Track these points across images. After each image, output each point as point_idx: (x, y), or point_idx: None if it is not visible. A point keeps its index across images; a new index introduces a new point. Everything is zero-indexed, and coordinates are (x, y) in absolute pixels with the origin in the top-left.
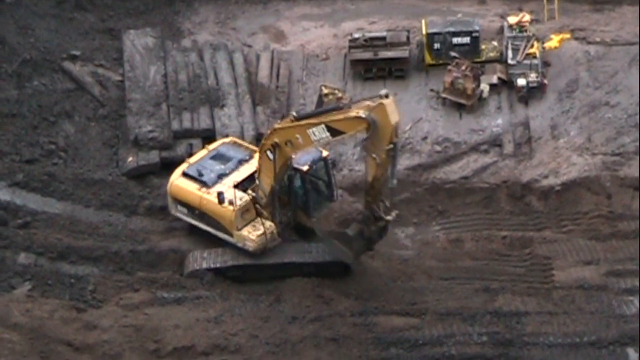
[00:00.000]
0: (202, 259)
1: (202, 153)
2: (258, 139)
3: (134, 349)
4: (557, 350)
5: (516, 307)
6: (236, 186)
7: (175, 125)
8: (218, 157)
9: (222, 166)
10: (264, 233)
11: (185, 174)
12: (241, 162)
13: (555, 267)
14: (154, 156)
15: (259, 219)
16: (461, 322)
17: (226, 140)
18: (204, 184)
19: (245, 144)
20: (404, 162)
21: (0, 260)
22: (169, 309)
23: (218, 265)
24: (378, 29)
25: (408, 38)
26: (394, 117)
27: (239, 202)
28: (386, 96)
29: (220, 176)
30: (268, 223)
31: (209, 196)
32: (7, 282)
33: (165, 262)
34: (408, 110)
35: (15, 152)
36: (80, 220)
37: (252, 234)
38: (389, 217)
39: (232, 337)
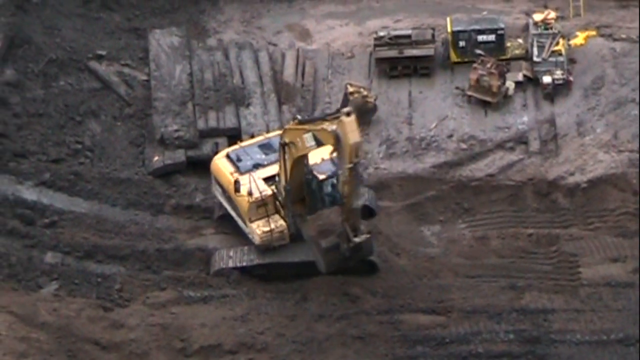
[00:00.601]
0: (229, 258)
1: (257, 140)
2: None
3: (161, 347)
4: (585, 348)
5: (543, 304)
6: (268, 179)
7: (201, 124)
8: (265, 146)
9: (264, 156)
10: (271, 231)
11: (227, 156)
12: None
13: (582, 264)
14: (179, 155)
15: (276, 216)
16: (488, 319)
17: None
18: (237, 169)
19: None
20: (429, 159)
21: (28, 259)
22: (195, 308)
23: (244, 264)
24: (403, 27)
25: (433, 36)
26: (353, 137)
27: (257, 195)
28: (347, 114)
29: (257, 165)
30: (281, 222)
31: None
32: (34, 281)
33: (192, 261)
34: (433, 108)
35: (41, 152)
36: (107, 219)
37: (260, 228)
38: (356, 239)
39: (259, 335)
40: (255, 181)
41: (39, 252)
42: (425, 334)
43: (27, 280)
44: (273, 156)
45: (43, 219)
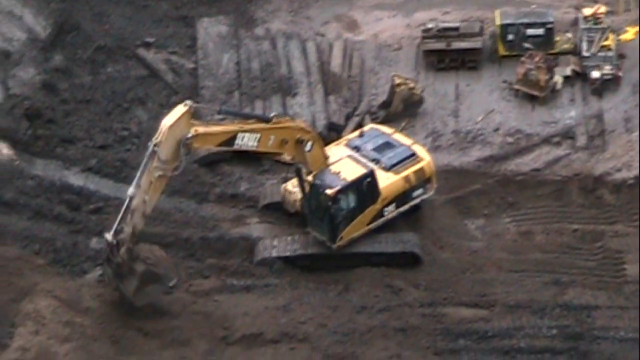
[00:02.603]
0: (272, 247)
1: (389, 131)
2: (330, 128)
3: (203, 335)
4: (628, 345)
5: (586, 300)
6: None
7: None
8: (381, 147)
9: (360, 153)
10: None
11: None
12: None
13: (626, 261)
14: None
15: None
16: (531, 314)
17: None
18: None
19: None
20: (475, 153)
21: (73, 244)
22: (238, 296)
23: (288, 253)
24: (451, 20)
25: (481, 29)
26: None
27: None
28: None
29: (352, 157)
30: None
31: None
32: (79, 266)
33: (235, 250)
34: (480, 102)
35: (89, 138)
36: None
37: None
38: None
39: (301, 325)
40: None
41: (84, 237)
42: (468, 327)
43: (72, 266)
44: (360, 154)
45: (89, 205)
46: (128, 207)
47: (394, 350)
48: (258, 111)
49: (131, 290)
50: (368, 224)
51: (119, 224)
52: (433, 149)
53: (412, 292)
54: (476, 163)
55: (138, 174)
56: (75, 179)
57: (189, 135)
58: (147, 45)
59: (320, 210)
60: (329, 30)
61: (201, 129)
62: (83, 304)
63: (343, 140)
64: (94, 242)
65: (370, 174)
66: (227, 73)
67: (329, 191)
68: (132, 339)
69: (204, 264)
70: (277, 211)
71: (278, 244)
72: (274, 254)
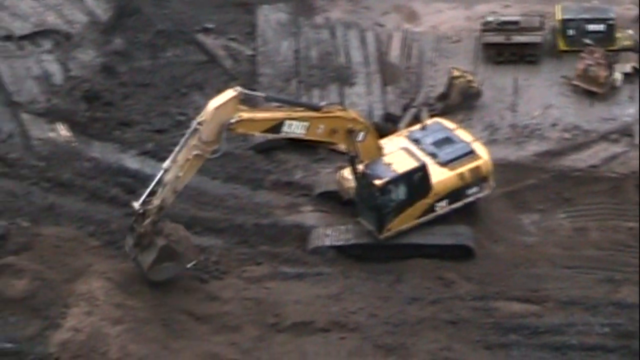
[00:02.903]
0: (326, 236)
1: (452, 126)
2: (386, 118)
3: (254, 321)
4: None
5: None
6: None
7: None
8: (440, 142)
9: (419, 146)
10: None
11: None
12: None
13: None
14: None
15: None
16: (583, 311)
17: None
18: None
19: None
20: (531, 147)
21: (127, 227)
22: (290, 284)
23: (341, 243)
24: (512, 13)
25: (542, 23)
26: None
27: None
28: None
29: (406, 150)
30: None
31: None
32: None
33: (289, 237)
34: (538, 96)
35: (146, 122)
36: (207, 191)
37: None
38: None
39: (352, 315)
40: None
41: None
42: (519, 322)
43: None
44: (417, 148)
45: (144, 188)
46: (161, 179)
47: (444, 342)
48: (315, 100)
49: (148, 263)
50: (418, 218)
51: (148, 195)
52: (489, 143)
53: (464, 285)
54: (532, 158)
55: (177, 148)
56: (132, 162)
57: (233, 120)
58: (207, 31)
59: (369, 200)
60: (388, 20)
61: (246, 115)
62: (136, 287)
63: (404, 132)
64: None
65: (422, 168)
66: (286, 61)
67: (377, 182)
68: (183, 323)
69: (257, 251)
70: (332, 200)
71: (331, 233)
72: (327, 242)
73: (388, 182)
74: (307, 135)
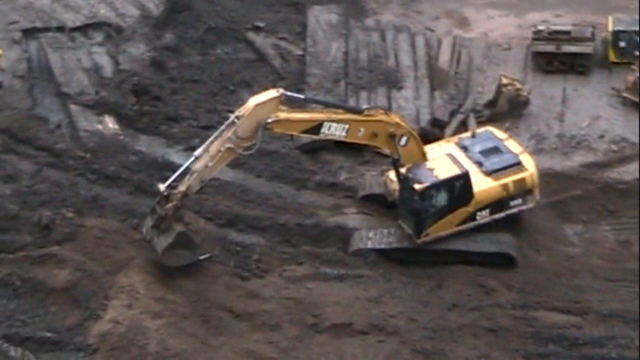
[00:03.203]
0: (368, 239)
1: (503, 136)
2: (433, 123)
3: (293, 321)
4: None
5: None
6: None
7: (351, 103)
8: (488, 151)
9: (466, 153)
10: None
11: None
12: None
13: None
14: None
15: None
16: (624, 325)
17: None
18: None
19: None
20: (577, 158)
21: None
22: (330, 285)
23: (383, 246)
24: (563, 23)
25: (593, 34)
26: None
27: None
28: None
29: (451, 157)
30: None
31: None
32: None
33: (331, 238)
34: (587, 107)
35: (193, 118)
36: (251, 189)
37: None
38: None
39: (391, 318)
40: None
41: None
42: (559, 333)
43: None
44: (465, 156)
45: None
46: (189, 166)
47: (483, 350)
48: (362, 102)
49: (163, 246)
50: (458, 225)
51: (175, 180)
52: (536, 152)
53: (505, 293)
54: (578, 168)
55: (211, 138)
56: (177, 157)
57: (270, 119)
58: (257, 29)
59: (408, 203)
60: (439, 25)
61: (283, 115)
62: (176, 282)
63: (454, 138)
64: None
65: (464, 176)
66: (335, 62)
67: (417, 186)
68: (222, 320)
69: (299, 250)
70: (375, 203)
71: (373, 236)
72: (369, 245)
73: (428, 187)
74: (348, 138)
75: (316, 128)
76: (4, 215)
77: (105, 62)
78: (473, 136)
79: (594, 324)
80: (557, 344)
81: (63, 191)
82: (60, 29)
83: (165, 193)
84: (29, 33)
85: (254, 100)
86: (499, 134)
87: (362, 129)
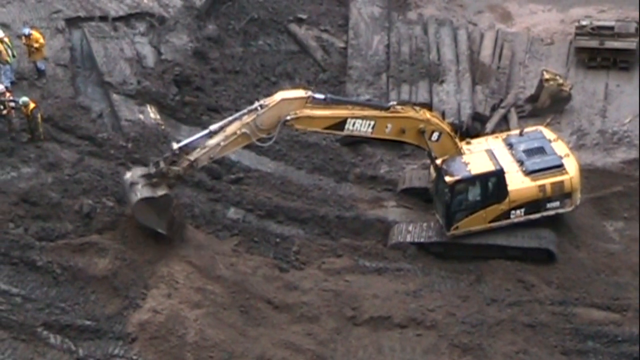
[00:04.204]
0: (407, 233)
1: (552, 137)
2: (474, 117)
3: (332, 313)
4: None
5: None
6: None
7: (393, 96)
8: (532, 151)
9: (511, 151)
10: None
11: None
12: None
13: None
14: None
15: None
16: None
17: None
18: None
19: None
20: (619, 154)
21: (211, 212)
22: (369, 278)
23: (422, 240)
24: (607, 18)
25: (637, 29)
26: None
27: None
28: None
29: (489, 153)
30: None
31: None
32: (215, 234)
33: (370, 231)
34: (629, 103)
35: (234, 109)
36: (291, 181)
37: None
38: None
39: (429, 312)
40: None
41: (222, 206)
42: (598, 330)
43: (208, 233)
44: (508, 153)
45: (229, 175)
46: (203, 140)
47: (521, 345)
48: (404, 96)
49: (143, 195)
50: (490, 222)
51: (189, 144)
52: (577, 148)
53: (544, 289)
54: (620, 165)
55: (231, 117)
56: None
57: (289, 117)
58: (300, 21)
59: (441, 195)
60: (481, 19)
61: (304, 112)
62: (216, 272)
63: (503, 134)
64: (232, 212)
65: (497, 173)
66: (377, 55)
67: (448, 178)
68: (261, 311)
69: (338, 243)
70: (415, 196)
71: (413, 230)
72: (408, 239)
73: (459, 181)
74: (375, 134)
75: (340, 125)
76: (46, 203)
77: (147, 52)
78: (521, 134)
79: (633, 321)
80: (596, 340)
81: (104, 180)
82: (104, 18)
83: (177, 152)
84: (72, 22)
85: (281, 95)
86: (549, 134)
87: (390, 125)
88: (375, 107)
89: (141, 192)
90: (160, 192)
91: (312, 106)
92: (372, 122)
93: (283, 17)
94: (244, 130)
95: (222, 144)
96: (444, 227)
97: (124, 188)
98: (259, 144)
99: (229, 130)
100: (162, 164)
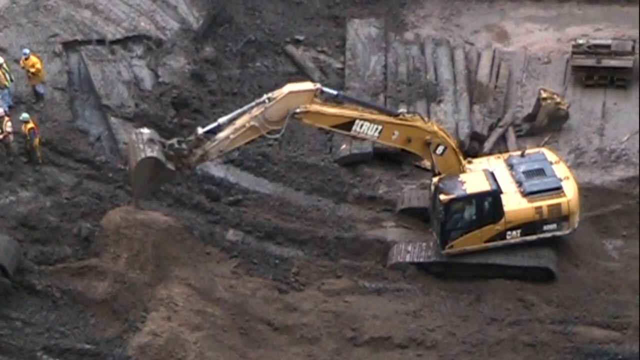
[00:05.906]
0: (406, 252)
1: (554, 159)
2: (472, 137)
3: (332, 334)
4: None
5: None
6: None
7: None
8: (532, 172)
9: (511, 171)
10: None
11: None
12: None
13: None
14: (367, 146)
15: None
16: None
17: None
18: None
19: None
20: (618, 172)
21: (209, 234)
22: (369, 299)
23: (421, 260)
24: (603, 37)
25: (633, 48)
26: None
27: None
28: None
29: (487, 172)
30: None
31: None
32: (215, 256)
33: (369, 252)
34: (627, 121)
35: None
36: (290, 202)
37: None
38: None
39: (430, 332)
40: None
41: (221, 228)
42: (598, 348)
43: (207, 254)
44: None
45: (228, 197)
46: (213, 131)
47: None
48: None
49: (151, 158)
50: (486, 242)
51: (211, 131)
52: (575, 166)
53: (544, 307)
54: (618, 183)
55: (240, 110)
56: (217, 170)
57: (299, 110)
58: (297, 43)
59: (436, 212)
60: (478, 39)
61: (314, 107)
62: (215, 294)
63: (505, 155)
64: (231, 234)
65: (492, 193)
66: (374, 75)
67: (442, 196)
68: (261, 333)
69: (337, 264)
70: (414, 216)
71: (412, 250)
72: (408, 259)
73: (453, 199)
74: (380, 139)
75: (347, 125)
76: (45, 227)
77: (145, 75)
78: (522, 155)
79: (633, 339)
80: (597, 359)
81: (103, 203)
82: (101, 42)
83: (201, 137)
84: (70, 46)
85: (289, 87)
86: (551, 156)
87: (397, 132)
88: (385, 113)
89: (158, 153)
90: (171, 166)
91: (323, 102)
92: (380, 127)
93: (280, 39)
94: (252, 123)
95: (231, 136)
96: (439, 245)
97: (135, 137)
98: (268, 136)
99: (238, 123)
100: (183, 142)
